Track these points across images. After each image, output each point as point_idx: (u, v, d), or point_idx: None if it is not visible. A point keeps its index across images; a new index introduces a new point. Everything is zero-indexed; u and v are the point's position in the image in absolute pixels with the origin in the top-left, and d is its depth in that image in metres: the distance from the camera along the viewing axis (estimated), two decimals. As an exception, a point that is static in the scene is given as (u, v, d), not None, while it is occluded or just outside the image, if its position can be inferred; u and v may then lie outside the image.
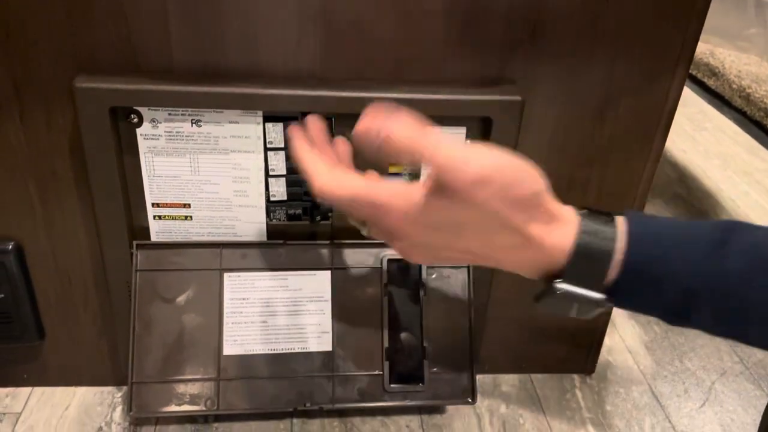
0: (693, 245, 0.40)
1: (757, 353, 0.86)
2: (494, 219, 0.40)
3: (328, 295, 0.67)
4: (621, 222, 0.41)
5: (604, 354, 0.82)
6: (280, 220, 0.65)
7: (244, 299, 0.66)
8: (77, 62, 0.55)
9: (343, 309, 0.67)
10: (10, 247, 0.63)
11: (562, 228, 0.41)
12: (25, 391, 0.73)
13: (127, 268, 0.64)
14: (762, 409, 0.59)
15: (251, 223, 0.65)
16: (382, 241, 0.45)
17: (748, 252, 0.39)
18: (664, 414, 0.76)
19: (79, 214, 0.63)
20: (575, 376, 0.80)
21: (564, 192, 0.67)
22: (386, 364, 0.67)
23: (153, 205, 0.63)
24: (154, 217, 0.64)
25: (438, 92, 0.58)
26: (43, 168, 0.60)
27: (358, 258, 0.67)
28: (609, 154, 0.65)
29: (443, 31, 0.57)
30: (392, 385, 0.67)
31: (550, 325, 0.76)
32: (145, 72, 0.56)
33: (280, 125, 0.60)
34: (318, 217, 0.66)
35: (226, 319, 0.65)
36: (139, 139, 0.59)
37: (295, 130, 0.47)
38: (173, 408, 0.65)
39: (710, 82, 1.68)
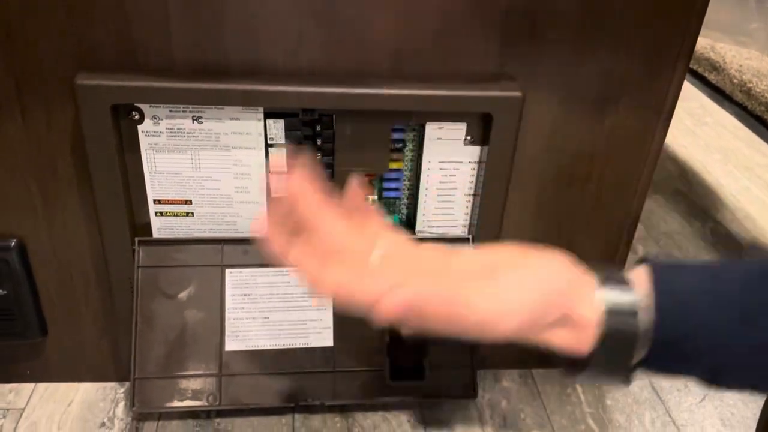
0: (722, 314, 0.38)
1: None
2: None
3: (330, 291, 0.67)
4: (644, 289, 0.39)
5: (604, 349, 0.82)
6: (281, 216, 0.66)
7: (245, 295, 0.66)
8: (78, 60, 0.55)
9: (345, 305, 0.67)
10: (13, 244, 0.63)
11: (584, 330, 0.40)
12: (28, 387, 0.73)
13: (129, 264, 0.64)
14: (762, 403, 0.59)
15: (252, 219, 0.65)
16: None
17: None
18: (664, 408, 0.77)
19: (80, 211, 0.63)
20: (576, 371, 0.81)
21: (564, 187, 0.68)
22: (387, 359, 0.67)
23: (154, 201, 0.63)
24: (156, 213, 0.64)
25: (438, 88, 0.58)
26: (44, 165, 0.60)
27: (359, 254, 0.67)
28: (609, 150, 0.65)
29: (443, 27, 0.57)
30: (393, 381, 0.68)
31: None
32: (146, 69, 0.56)
33: (281, 122, 0.60)
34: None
35: (227, 315, 0.65)
36: (141, 136, 0.59)
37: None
38: (175, 403, 0.65)
39: (711, 77, 1.68)
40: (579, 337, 0.40)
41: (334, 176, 0.64)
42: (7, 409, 0.70)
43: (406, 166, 0.65)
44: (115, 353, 0.72)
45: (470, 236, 0.67)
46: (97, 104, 0.55)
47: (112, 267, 0.64)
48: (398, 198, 0.67)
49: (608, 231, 0.70)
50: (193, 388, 0.65)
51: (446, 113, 0.61)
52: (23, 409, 0.70)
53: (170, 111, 0.59)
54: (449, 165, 0.64)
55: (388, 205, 0.67)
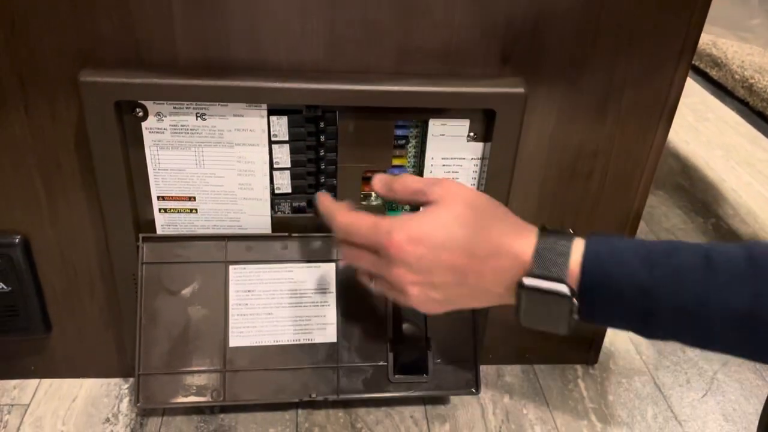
0: (647, 249, 0.43)
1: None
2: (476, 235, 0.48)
3: (333, 287, 0.67)
4: (578, 238, 0.46)
5: (606, 345, 0.82)
6: (284, 212, 0.66)
7: (249, 291, 0.66)
8: (82, 56, 0.55)
9: (348, 300, 0.67)
10: (17, 240, 0.64)
11: (528, 237, 0.47)
12: (33, 383, 0.73)
13: (133, 260, 0.64)
14: (764, 398, 0.59)
15: (256, 216, 0.65)
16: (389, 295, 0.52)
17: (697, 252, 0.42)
18: (666, 404, 0.77)
19: (85, 208, 0.63)
20: (578, 367, 0.81)
21: (567, 183, 0.68)
22: (390, 355, 0.68)
23: (158, 198, 0.63)
24: (160, 210, 0.64)
25: (441, 84, 0.58)
26: (48, 162, 0.60)
27: (362, 250, 0.67)
28: (612, 146, 0.66)
29: (446, 24, 0.57)
30: (396, 376, 0.68)
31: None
32: (149, 66, 0.57)
33: (285, 118, 0.60)
34: (322, 210, 0.66)
35: (231, 311, 0.66)
36: (144, 132, 0.60)
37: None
38: (180, 399, 0.65)
39: (713, 73, 1.68)
40: (528, 240, 0.47)
41: (338, 173, 0.64)
42: (12, 405, 0.70)
43: (409, 162, 0.65)
44: (120, 349, 0.72)
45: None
46: (100, 101, 0.55)
47: (116, 263, 0.65)
48: (401, 194, 0.67)
49: (610, 227, 0.71)
50: (197, 383, 0.66)
51: (449, 110, 0.61)
52: (28, 405, 0.71)
53: (174, 108, 0.59)
54: (452, 161, 0.64)
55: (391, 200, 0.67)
